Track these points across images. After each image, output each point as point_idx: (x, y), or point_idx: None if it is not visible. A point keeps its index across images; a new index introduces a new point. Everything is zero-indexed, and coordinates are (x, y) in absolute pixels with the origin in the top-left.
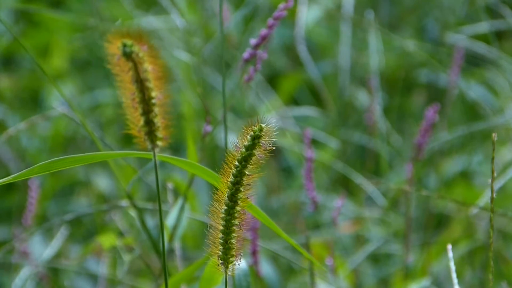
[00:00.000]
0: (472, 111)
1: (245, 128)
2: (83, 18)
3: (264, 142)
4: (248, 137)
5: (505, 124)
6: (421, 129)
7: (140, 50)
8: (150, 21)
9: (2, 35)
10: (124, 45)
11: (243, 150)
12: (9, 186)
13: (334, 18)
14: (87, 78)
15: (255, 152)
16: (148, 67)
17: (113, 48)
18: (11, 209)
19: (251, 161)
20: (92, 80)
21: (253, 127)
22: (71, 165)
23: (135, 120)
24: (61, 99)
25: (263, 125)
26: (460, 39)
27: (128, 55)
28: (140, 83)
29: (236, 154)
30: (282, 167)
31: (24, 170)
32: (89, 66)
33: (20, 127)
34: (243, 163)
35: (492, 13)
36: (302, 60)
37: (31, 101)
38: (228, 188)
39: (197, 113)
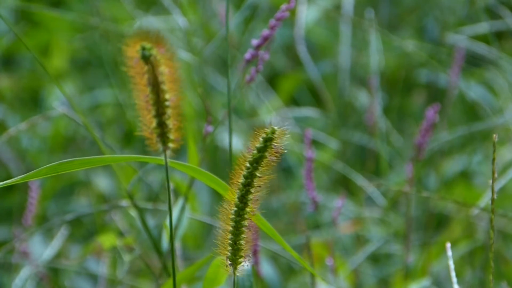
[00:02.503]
0: (472, 111)
1: (256, 129)
2: (83, 18)
3: (275, 144)
4: (260, 139)
5: (504, 124)
6: (421, 129)
7: (158, 53)
8: (150, 21)
9: (2, 35)
10: (143, 48)
11: (255, 152)
12: (10, 186)
13: (334, 18)
14: (87, 78)
15: (267, 154)
16: (164, 69)
17: (131, 51)
18: (11, 209)
19: (262, 163)
20: (92, 80)
21: (265, 129)
22: (79, 167)
23: (147, 122)
24: (61, 99)
25: (275, 127)
26: (460, 39)
27: (146, 58)
28: (156, 85)
29: (248, 156)
30: (282, 167)
31: (31, 172)
32: (89, 66)
33: (20, 127)
34: (255, 164)
35: (491, 13)
36: (302, 60)
37: (31, 101)
38: (239, 189)
39: (197, 113)
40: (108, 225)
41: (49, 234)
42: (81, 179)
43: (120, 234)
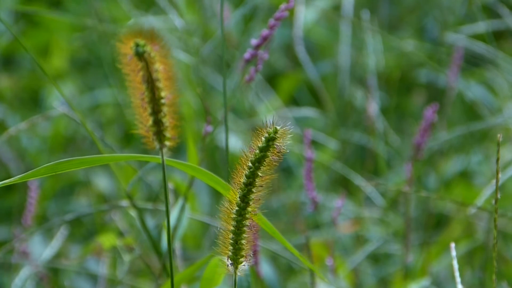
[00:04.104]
0: (471, 111)
1: (258, 129)
2: (82, 19)
3: (278, 144)
4: (263, 138)
5: (504, 124)
6: (420, 129)
7: (152, 50)
8: (149, 21)
9: (2, 35)
10: (137, 45)
11: (257, 151)
12: (9, 186)
13: (333, 18)
14: (87, 78)
15: (269, 154)
16: (159, 67)
17: (125, 48)
18: (11, 209)
19: (264, 162)
20: (92, 80)
21: (267, 128)
22: (77, 167)
23: (144, 120)
24: (61, 99)
25: (278, 127)
26: (460, 39)
27: (140, 55)
28: (151, 83)
29: (250, 155)
30: (282, 167)
31: (29, 172)
32: (89, 66)
33: (20, 127)
34: (257, 164)
35: (490, 12)
36: (301, 61)
37: (31, 101)
38: (240, 188)
39: (197, 113)
40: (108, 225)
41: (49, 234)
42: (81, 179)
43: (120, 234)
